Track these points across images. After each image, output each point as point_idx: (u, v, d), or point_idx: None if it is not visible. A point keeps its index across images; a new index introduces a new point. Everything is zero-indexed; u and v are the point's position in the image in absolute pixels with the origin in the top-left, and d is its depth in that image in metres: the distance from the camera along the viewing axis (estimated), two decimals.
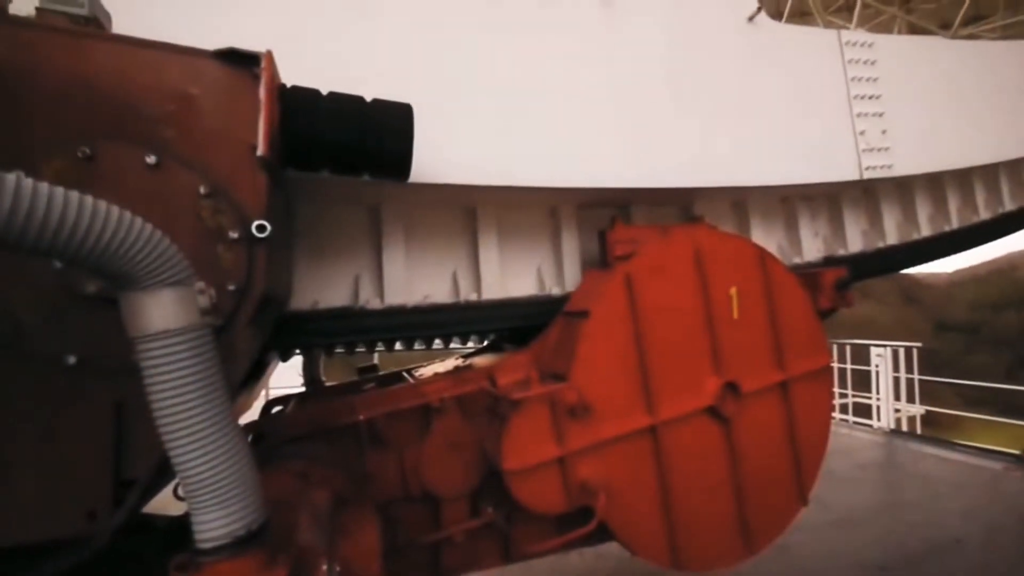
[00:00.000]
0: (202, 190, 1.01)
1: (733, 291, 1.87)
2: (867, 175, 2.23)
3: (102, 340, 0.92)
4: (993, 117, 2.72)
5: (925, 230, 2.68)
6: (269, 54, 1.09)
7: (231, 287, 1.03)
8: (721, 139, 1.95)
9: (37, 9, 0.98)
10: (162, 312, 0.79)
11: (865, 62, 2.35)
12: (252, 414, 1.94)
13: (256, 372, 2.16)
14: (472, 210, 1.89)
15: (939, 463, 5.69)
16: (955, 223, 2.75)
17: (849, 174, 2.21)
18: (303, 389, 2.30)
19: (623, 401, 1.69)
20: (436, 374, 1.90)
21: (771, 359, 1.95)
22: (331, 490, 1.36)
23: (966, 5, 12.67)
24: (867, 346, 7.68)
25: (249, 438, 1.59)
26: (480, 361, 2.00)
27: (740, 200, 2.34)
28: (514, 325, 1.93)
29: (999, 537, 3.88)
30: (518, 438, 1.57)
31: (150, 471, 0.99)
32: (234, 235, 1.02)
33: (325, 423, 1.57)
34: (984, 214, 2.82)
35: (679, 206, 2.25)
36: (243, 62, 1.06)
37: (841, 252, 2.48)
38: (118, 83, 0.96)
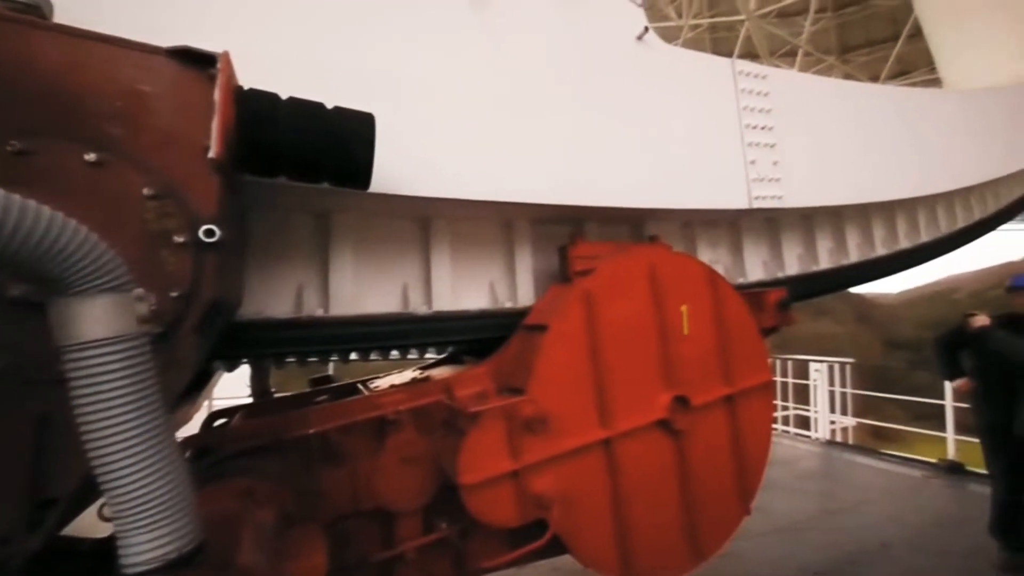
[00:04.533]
0: (147, 191, 0.96)
1: (684, 308, 1.96)
2: (756, 204, 2.27)
3: (26, 347, 0.85)
4: (889, 157, 2.90)
5: (824, 263, 2.76)
6: (226, 55, 1.06)
7: (174, 293, 0.98)
8: (617, 160, 1.95)
9: None
10: (94, 320, 0.74)
11: (758, 93, 2.39)
12: (194, 426, 1.83)
13: (200, 382, 2.05)
14: (425, 221, 1.85)
15: (869, 471, 6.12)
16: (853, 257, 2.86)
17: (739, 202, 2.24)
18: (250, 400, 2.20)
19: (579, 414, 1.72)
20: (392, 386, 1.87)
21: (718, 374, 2.05)
22: (277, 508, 1.30)
23: (892, 59, 14.13)
24: (807, 361, 8.16)
25: (189, 453, 1.50)
26: (438, 373, 1.98)
27: (689, 221, 2.40)
28: (465, 339, 1.90)
29: (920, 540, 4.20)
30: (474, 452, 1.57)
31: (73, 490, 0.91)
32: (181, 239, 0.98)
33: (273, 437, 1.50)
34: (881, 250, 2.99)
35: (630, 225, 2.28)
36: (199, 62, 1.03)
37: (740, 280, 2.51)
38: (60, 76, 0.90)
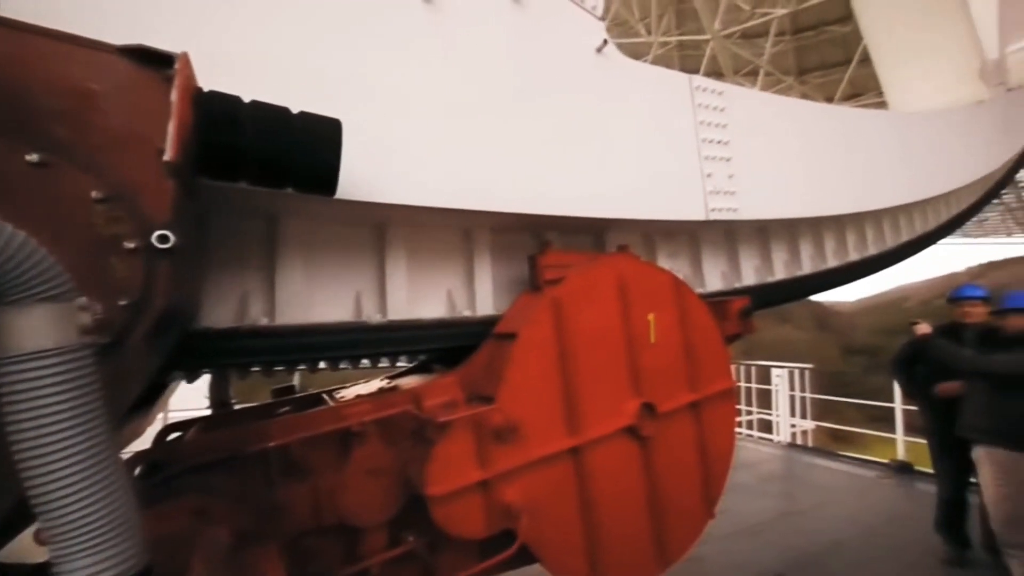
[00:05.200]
0: (96, 195, 0.91)
1: (651, 317, 2.01)
2: (712, 216, 2.33)
3: None
4: (839, 173, 3.05)
5: (780, 274, 2.89)
6: (185, 56, 1.02)
7: (124, 302, 0.93)
8: (577, 170, 1.96)
9: None
10: (30, 330, 0.70)
11: (715, 108, 2.45)
12: (147, 440, 1.74)
13: (154, 394, 1.95)
14: (380, 227, 1.80)
15: (826, 472, 6.38)
16: (807, 269, 3.00)
17: (696, 214, 2.29)
18: (208, 413, 2.10)
19: (548, 423, 1.73)
20: (358, 396, 1.83)
21: (684, 381, 2.10)
22: (232, 526, 1.25)
23: (844, 82, 15.08)
24: (769, 367, 8.48)
25: (139, 469, 1.42)
26: (406, 383, 1.95)
27: (649, 232, 2.44)
28: (421, 348, 1.87)
29: (873, 537, 4.40)
30: (443, 462, 1.55)
31: (5, 513, 0.85)
32: (131, 245, 0.93)
33: (230, 451, 1.44)
34: (832, 262, 3.14)
35: (591, 234, 2.30)
36: (155, 62, 0.99)
37: (699, 290, 2.57)
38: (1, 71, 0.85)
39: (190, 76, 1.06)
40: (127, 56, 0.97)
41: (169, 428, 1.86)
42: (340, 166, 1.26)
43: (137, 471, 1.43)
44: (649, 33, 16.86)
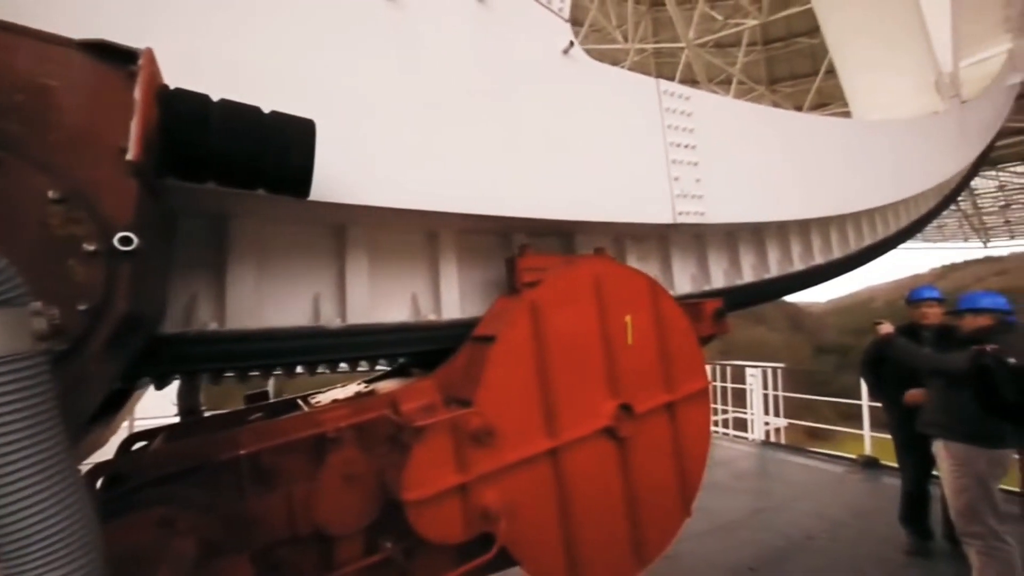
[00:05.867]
0: (52, 195, 0.87)
1: (628, 319, 2.03)
2: (680, 219, 2.32)
3: None
4: (804, 179, 3.12)
5: (748, 276, 2.92)
6: (149, 52, 0.99)
7: (83, 306, 0.89)
8: (544, 172, 1.94)
9: None
10: None
11: (682, 112, 2.45)
12: (110, 451, 1.67)
13: (118, 401, 1.87)
14: (339, 229, 1.74)
15: (798, 469, 6.57)
16: (774, 272, 3.05)
17: (664, 217, 2.29)
18: (176, 420, 2.03)
19: (526, 425, 1.73)
20: (335, 401, 1.80)
21: (660, 381, 2.13)
22: (199, 538, 1.21)
23: (813, 92, 15.68)
24: (743, 366, 8.70)
25: (100, 481, 1.36)
26: (383, 387, 1.92)
27: (619, 235, 2.44)
28: (383, 354, 1.82)
29: (840, 531, 4.56)
30: (420, 466, 1.53)
31: None
32: (91, 247, 0.89)
33: (198, 460, 1.39)
34: (799, 265, 3.20)
35: (560, 237, 2.27)
36: (117, 58, 0.95)
37: (670, 293, 2.52)
38: None
39: (154, 73, 1.02)
40: (87, 51, 0.93)
41: (134, 437, 1.79)
42: (313, 167, 1.24)
43: (99, 483, 1.37)
44: (626, 40, 17.18)
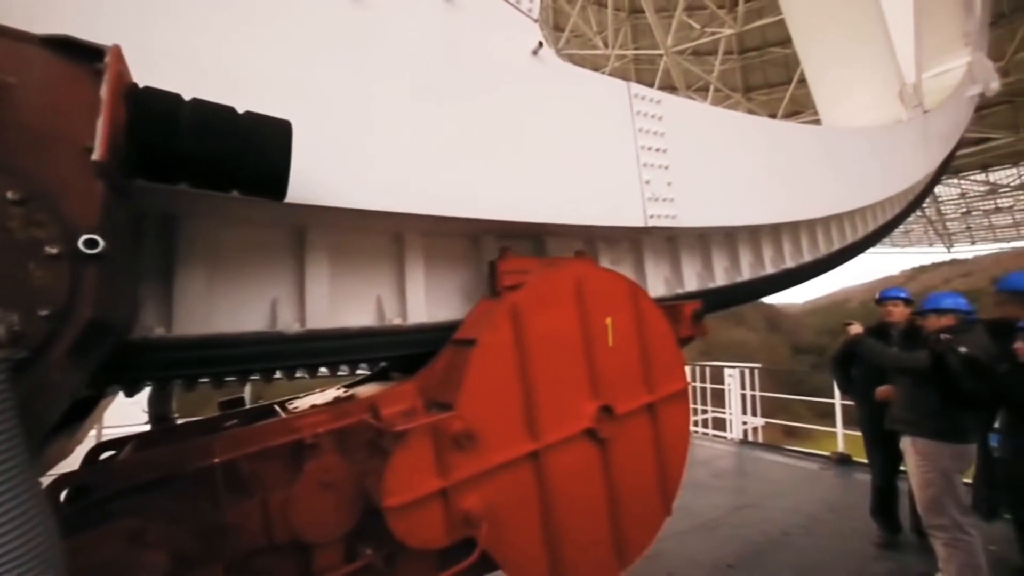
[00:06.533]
0: (12, 196, 0.84)
1: (608, 321, 2.06)
2: (651, 223, 2.30)
3: None
4: (776, 183, 3.16)
5: (720, 280, 2.94)
6: (116, 48, 0.96)
7: (44, 312, 0.85)
8: (513, 174, 1.89)
9: None
10: None
11: (653, 116, 2.43)
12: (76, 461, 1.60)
13: (85, 409, 1.81)
14: (299, 230, 1.67)
15: (774, 466, 6.73)
16: (746, 275, 3.09)
17: (635, 220, 2.27)
18: (146, 429, 1.96)
19: (508, 428, 1.73)
20: (313, 406, 1.76)
21: (640, 383, 2.16)
22: (171, 550, 1.17)
23: (786, 100, 16.18)
24: (722, 367, 8.87)
25: (64, 493, 1.31)
26: (363, 391, 1.90)
27: (591, 238, 2.42)
28: (344, 359, 1.76)
29: (815, 526, 4.68)
30: (400, 471, 1.52)
31: None
32: (54, 250, 0.86)
33: (170, 469, 1.35)
34: (770, 268, 3.25)
35: (530, 240, 2.25)
36: (82, 54, 0.92)
37: None
38: None
39: (122, 71, 0.99)
40: (50, 47, 0.90)
41: (100, 447, 1.72)
42: (290, 168, 1.22)
43: (63, 495, 1.31)
44: (607, 46, 17.42)
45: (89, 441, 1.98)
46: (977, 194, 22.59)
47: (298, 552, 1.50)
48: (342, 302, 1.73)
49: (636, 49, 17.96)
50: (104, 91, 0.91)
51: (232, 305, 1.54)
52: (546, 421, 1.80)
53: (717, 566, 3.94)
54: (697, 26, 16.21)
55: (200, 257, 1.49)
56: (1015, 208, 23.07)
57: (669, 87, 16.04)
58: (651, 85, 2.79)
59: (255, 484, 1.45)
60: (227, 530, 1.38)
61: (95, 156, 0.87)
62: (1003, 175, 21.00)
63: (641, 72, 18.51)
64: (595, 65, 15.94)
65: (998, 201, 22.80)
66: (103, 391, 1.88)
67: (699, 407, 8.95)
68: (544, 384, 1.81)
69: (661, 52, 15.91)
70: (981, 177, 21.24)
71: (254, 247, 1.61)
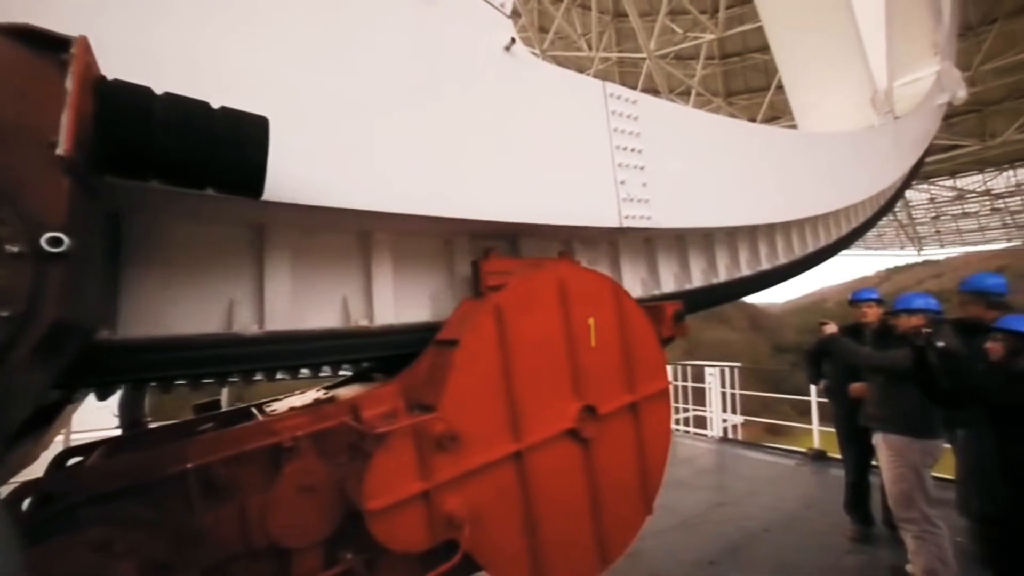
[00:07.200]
0: None
1: (591, 321, 2.07)
2: (626, 223, 2.26)
3: None
4: (752, 186, 3.19)
5: (697, 281, 2.95)
6: (83, 40, 0.92)
7: (5, 313, 0.82)
8: (484, 172, 1.84)
9: None
10: None
11: (628, 116, 2.38)
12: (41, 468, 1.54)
13: (50, 414, 1.74)
14: (259, 228, 1.59)
15: (754, 463, 6.87)
16: (723, 276, 3.10)
17: (610, 221, 2.23)
18: (117, 434, 1.90)
19: (491, 429, 1.73)
20: (292, 409, 1.73)
21: (622, 383, 2.18)
22: (142, 559, 1.13)
23: (765, 105, 16.55)
24: (703, 366, 9.02)
25: (28, 501, 1.26)
26: (344, 393, 1.87)
27: (568, 239, 2.40)
28: (307, 363, 1.70)
29: (793, 522, 4.79)
30: (382, 474, 1.50)
31: None
32: (15, 249, 0.82)
33: (141, 475, 1.31)
34: (746, 270, 3.29)
35: (504, 240, 2.21)
36: (46, 45, 0.89)
37: None
38: None
39: (89, 62, 0.96)
40: (11, 37, 0.86)
41: (67, 453, 1.66)
42: (266, 166, 1.19)
43: (26, 503, 1.26)
44: (591, 49, 17.56)
45: (56, 447, 1.91)
46: (945, 199, 23.47)
47: (276, 557, 1.47)
48: (305, 303, 1.66)
49: (620, 52, 18.15)
50: (70, 83, 0.87)
51: (186, 305, 1.47)
52: (529, 421, 1.80)
53: (698, 563, 4.00)
54: (680, 31, 16.46)
55: (148, 255, 1.42)
56: (980, 213, 24.06)
57: (652, 90, 16.25)
58: (634, 88, 2.76)
59: (231, 489, 1.41)
60: (202, 537, 1.35)
61: (60, 150, 0.84)
62: (969, 181, 21.87)
63: (625, 75, 18.71)
64: (579, 67, 16.04)
65: (965, 206, 23.74)
66: (72, 395, 1.82)
67: (681, 406, 9.08)
68: (527, 384, 1.81)
69: (644, 56, 16.10)
70: (950, 183, 22.07)
71: (211, 245, 1.53)
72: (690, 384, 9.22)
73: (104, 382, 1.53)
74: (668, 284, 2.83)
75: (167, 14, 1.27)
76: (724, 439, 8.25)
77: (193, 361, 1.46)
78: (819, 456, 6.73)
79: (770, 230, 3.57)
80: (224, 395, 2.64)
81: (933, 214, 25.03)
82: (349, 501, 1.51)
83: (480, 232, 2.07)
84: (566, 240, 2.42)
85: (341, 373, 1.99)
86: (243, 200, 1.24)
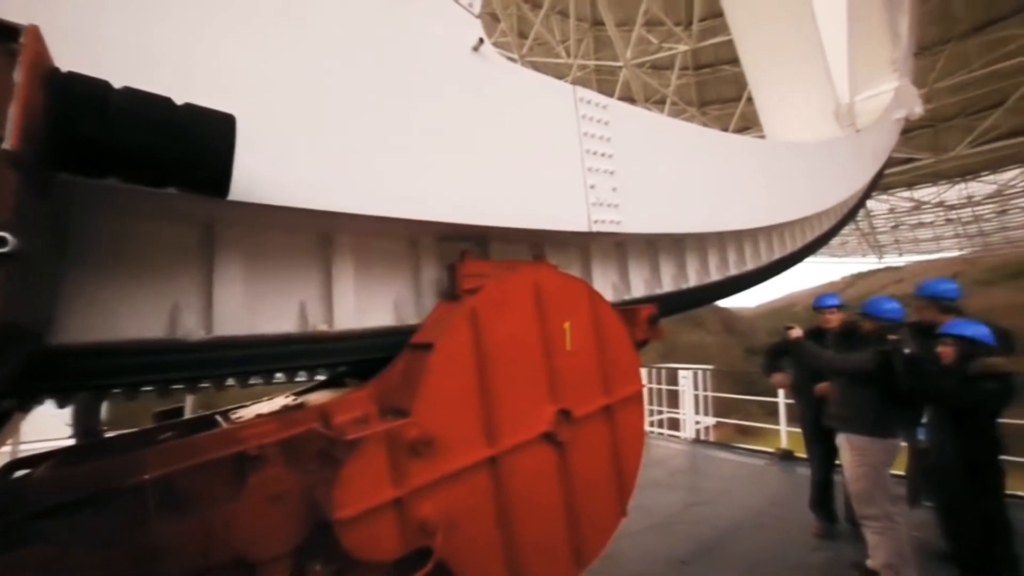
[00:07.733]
0: None
1: (567, 325, 2.08)
2: (596, 228, 2.24)
3: None
4: (721, 193, 3.25)
5: (668, 286, 2.99)
6: (34, 29, 0.88)
7: None
8: (451, 174, 1.81)
9: None
10: None
11: (599, 121, 2.37)
12: None
13: None
14: (209, 228, 1.50)
15: (725, 464, 7.03)
16: (692, 282, 3.16)
17: (580, 225, 2.21)
18: (71, 443, 1.80)
19: (466, 433, 1.71)
20: (258, 415, 1.67)
21: (597, 386, 2.19)
22: None
23: (737, 116, 17.11)
24: (676, 369, 9.20)
25: None
26: (314, 399, 1.83)
27: (538, 242, 2.38)
28: (259, 369, 1.64)
29: (762, 519, 4.92)
30: (353, 482, 1.47)
31: None
32: None
33: (95, 487, 1.24)
34: (715, 276, 3.37)
35: (472, 242, 2.17)
36: None
37: None
38: None
39: (40, 53, 0.91)
40: None
41: (14, 464, 1.56)
42: (232, 165, 1.16)
43: None
44: (569, 56, 17.78)
45: (2, 458, 1.79)
46: (903, 210, 24.70)
47: (241, 571, 1.41)
48: (259, 306, 1.58)
49: (598, 60, 18.44)
50: (18, 74, 0.83)
51: (129, 309, 1.38)
52: (504, 425, 1.80)
53: (671, 563, 4.06)
54: (655, 41, 16.84)
55: (92, 255, 1.33)
56: (935, 223, 25.43)
57: (629, 98, 16.56)
58: (611, 95, 2.78)
59: (193, 501, 1.35)
60: (161, 551, 1.28)
61: (6, 145, 0.79)
62: (925, 193, 23.09)
63: (602, 83, 19.01)
64: (558, 73, 16.23)
65: (922, 217, 25.05)
66: (24, 404, 1.71)
67: (655, 408, 9.23)
68: (502, 388, 1.81)
69: (621, 64, 16.41)
70: (907, 194, 23.26)
71: (157, 245, 1.44)
72: (664, 387, 9.39)
73: (31, 391, 1.39)
74: (639, 289, 2.86)
75: (121, 5, 1.21)
76: (697, 440, 8.42)
77: (131, 368, 1.37)
78: (786, 456, 6.95)
79: (739, 236, 3.67)
80: (188, 402, 2.54)
81: (893, 223, 26.31)
82: (318, 510, 1.47)
83: (447, 235, 2.03)
84: (537, 243, 2.41)
85: (297, 380, 1.91)
86: (196, 197, 1.17)
